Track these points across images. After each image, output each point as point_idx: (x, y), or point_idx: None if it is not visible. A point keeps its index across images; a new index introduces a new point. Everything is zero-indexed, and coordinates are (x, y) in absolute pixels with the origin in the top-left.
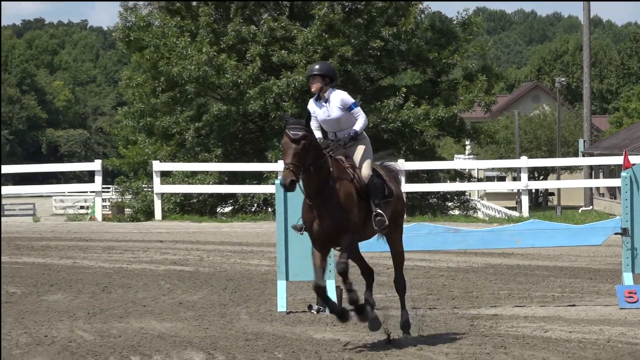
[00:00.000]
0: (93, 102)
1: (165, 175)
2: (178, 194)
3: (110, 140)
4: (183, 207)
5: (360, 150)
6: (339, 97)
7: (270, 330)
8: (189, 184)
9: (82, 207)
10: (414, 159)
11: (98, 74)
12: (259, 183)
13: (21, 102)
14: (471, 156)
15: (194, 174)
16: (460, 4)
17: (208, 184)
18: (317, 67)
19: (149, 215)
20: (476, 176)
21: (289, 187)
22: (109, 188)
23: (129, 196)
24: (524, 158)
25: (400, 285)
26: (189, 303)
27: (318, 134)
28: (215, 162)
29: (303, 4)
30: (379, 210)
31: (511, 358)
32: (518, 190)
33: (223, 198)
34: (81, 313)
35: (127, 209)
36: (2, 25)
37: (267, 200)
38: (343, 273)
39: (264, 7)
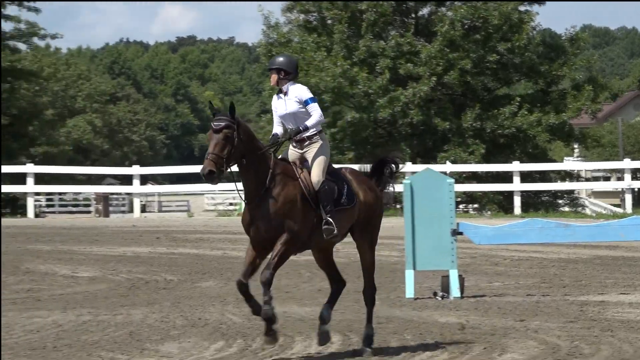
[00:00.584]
0: (240, 110)
1: None
2: None
3: None
4: None
5: (314, 153)
6: (296, 91)
7: (400, 314)
8: None
9: (230, 204)
10: (527, 161)
11: (244, 85)
12: None
13: (176, 110)
14: (579, 158)
15: None
16: (568, 21)
17: None
18: (274, 60)
19: None
20: (584, 176)
21: (207, 176)
22: None
23: None
24: (627, 160)
25: (367, 296)
26: (326, 290)
27: (279, 129)
28: (349, 163)
29: (427, 22)
30: (328, 218)
31: (617, 340)
32: (622, 189)
33: None
34: (230, 298)
35: None
36: (131, 41)
37: (396, 198)
38: (266, 284)
39: (391, 25)
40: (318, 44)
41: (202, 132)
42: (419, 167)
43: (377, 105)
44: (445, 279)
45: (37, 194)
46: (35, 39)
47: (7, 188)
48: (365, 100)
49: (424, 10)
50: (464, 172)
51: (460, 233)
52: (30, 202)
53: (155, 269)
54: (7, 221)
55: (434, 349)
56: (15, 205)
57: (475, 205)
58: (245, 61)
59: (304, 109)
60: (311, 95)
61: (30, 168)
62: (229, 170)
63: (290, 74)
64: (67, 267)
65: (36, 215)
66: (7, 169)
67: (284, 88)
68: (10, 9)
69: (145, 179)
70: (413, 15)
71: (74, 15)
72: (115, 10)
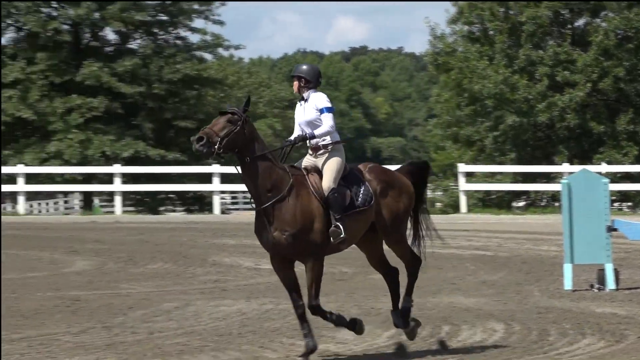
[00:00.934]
0: (408, 115)
1: (469, 176)
2: (480, 191)
3: (423, 146)
4: (484, 202)
5: (327, 161)
6: (316, 99)
7: (559, 305)
8: (489, 182)
9: None
10: None
11: (412, 91)
12: (547, 182)
13: (350, 115)
14: None
15: (492, 174)
16: None
17: (505, 182)
18: (297, 68)
19: (455, 208)
20: None
21: (196, 141)
22: None
23: (439, 192)
24: None
25: (411, 271)
26: (490, 282)
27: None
28: (510, 164)
29: (582, 32)
30: (336, 223)
31: None
32: None
33: (517, 194)
34: (401, 289)
35: (438, 204)
36: (308, 51)
37: (555, 196)
38: (318, 312)
39: (549, 35)
40: (481, 53)
41: (374, 135)
42: (576, 168)
43: (536, 110)
44: (601, 272)
45: (223, 192)
46: (220, 50)
47: (195, 187)
48: (525, 106)
49: (580, 22)
50: (618, 173)
51: (615, 229)
52: (216, 200)
53: (331, 262)
54: (195, 217)
55: (591, 338)
56: (203, 202)
57: (629, 204)
58: (413, 69)
59: (320, 118)
60: (328, 105)
61: (216, 168)
62: (221, 154)
63: (311, 82)
64: (250, 259)
65: (222, 212)
66: (195, 169)
67: (305, 95)
68: (197, 22)
69: None
70: (569, 26)
71: (256, 27)
72: (293, 22)
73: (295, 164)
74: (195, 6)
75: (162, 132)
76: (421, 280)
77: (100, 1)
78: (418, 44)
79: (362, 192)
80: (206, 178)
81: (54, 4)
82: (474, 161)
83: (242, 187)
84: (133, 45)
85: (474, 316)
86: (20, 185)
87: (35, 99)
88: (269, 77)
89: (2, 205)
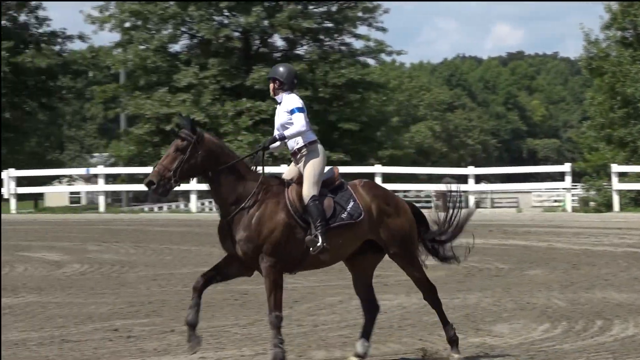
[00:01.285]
0: (563, 117)
1: (622, 176)
2: (632, 190)
3: (577, 147)
4: (636, 201)
5: (305, 167)
6: (287, 101)
7: None
8: None
9: (555, 201)
10: None
11: (567, 94)
12: None
13: (506, 117)
14: None
15: None
16: None
17: None
18: (273, 69)
19: (608, 207)
20: None
21: (147, 186)
22: (576, 185)
23: (593, 192)
24: None
25: (431, 300)
26: None
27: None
28: None
29: None
30: (314, 232)
31: None
32: None
33: None
34: (555, 285)
35: (591, 203)
36: (466, 56)
37: None
38: (275, 326)
39: None
40: (634, 57)
41: (530, 136)
42: None
43: None
44: None
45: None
46: (383, 55)
47: None
48: None
49: None
50: None
51: None
52: None
53: (488, 258)
54: None
55: None
56: None
57: None
58: (568, 73)
59: (291, 119)
60: (299, 105)
61: (378, 169)
62: (177, 183)
63: (285, 84)
64: None
65: None
66: (358, 169)
67: (278, 98)
68: (361, 29)
69: (479, 179)
70: None
71: (417, 34)
72: (453, 29)
73: (280, 175)
74: (360, 14)
75: (327, 134)
76: (575, 276)
77: (270, 7)
78: (572, 49)
79: (350, 206)
80: (370, 178)
81: (226, 13)
82: (627, 162)
83: (403, 186)
84: (300, 51)
85: (626, 311)
86: (193, 185)
87: (207, 102)
88: (429, 81)
89: (174, 204)
